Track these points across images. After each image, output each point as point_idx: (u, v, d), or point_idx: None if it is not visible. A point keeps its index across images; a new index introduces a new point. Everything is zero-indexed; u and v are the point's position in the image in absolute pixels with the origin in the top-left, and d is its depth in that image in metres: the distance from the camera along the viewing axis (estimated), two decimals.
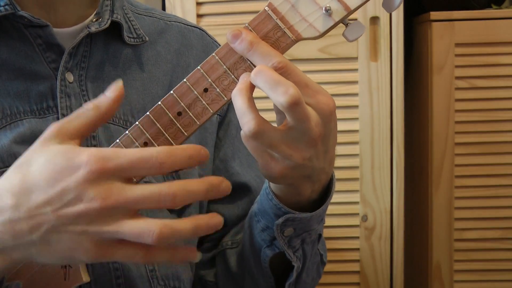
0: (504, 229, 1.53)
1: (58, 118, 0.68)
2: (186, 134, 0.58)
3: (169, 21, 0.81)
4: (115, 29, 0.73)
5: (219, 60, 0.57)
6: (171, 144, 0.58)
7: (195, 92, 0.57)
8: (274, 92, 0.52)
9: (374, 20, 1.46)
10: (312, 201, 0.64)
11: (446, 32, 1.49)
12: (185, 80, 0.58)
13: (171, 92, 0.58)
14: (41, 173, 0.51)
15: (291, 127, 0.54)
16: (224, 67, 0.57)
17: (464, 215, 1.53)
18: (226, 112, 0.82)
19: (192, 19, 1.47)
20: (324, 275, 1.54)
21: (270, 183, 0.64)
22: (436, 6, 1.55)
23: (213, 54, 0.57)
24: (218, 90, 0.57)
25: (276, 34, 0.57)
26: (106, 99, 0.54)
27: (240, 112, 0.54)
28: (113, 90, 0.55)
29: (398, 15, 1.45)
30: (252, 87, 0.55)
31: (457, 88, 1.51)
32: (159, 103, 0.58)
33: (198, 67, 0.58)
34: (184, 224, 0.50)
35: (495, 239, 1.54)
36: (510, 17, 1.49)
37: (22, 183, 0.51)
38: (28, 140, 0.66)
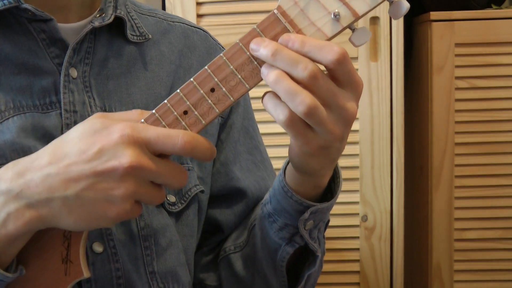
0: (504, 229, 1.53)
1: (61, 114, 0.68)
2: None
3: (172, 21, 0.81)
4: (118, 26, 0.74)
5: (226, 60, 0.57)
6: None
7: (201, 92, 0.58)
8: (295, 70, 0.54)
9: (374, 20, 1.46)
10: (322, 192, 0.67)
11: (446, 32, 1.49)
12: (192, 79, 0.58)
13: (178, 91, 0.58)
14: (79, 137, 0.56)
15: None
16: (231, 67, 0.57)
17: (464, 215, 1.53)
18: (229, 114, 0.82)
19: (192, 19, 1.47)
20: (324, 275, 1.55)
21: (290, 180, 0.66)
22: (436, 6, 1.55)
23: (221, 54, 0.58)
24: (224, 90, 0.58)
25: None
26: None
27: (291, 92, 0.54)
28: None
29: None
30: None
31: (457, 88, 1.51)
32: (165, 101, 0.58)
33: (206, 67, 0.58)
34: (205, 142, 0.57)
35: (495, 239, 1.54)
36: (510, 17, 1.49)
37: (63, 144, 0.56)
38: (30, 133, 0.66)
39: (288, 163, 0.67)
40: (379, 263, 1.52)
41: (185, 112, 0.58)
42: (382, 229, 1.51)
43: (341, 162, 1.48)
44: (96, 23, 0.70)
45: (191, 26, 0.83)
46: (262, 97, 0.57)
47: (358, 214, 1.51)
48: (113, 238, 0.68)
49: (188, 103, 0.58)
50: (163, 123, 0.58)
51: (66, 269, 0.60)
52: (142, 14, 0.79)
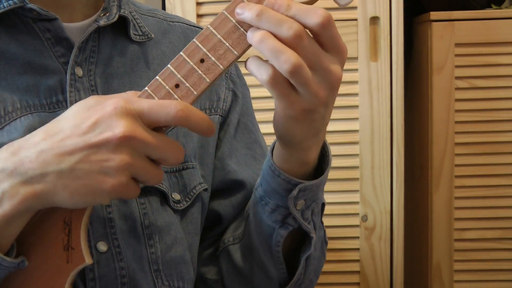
0: (504, 229, 1.53)
1: None
2: None
3: (172, 21, 0.82)
4: (121, 25, 0.74)
5: (213, 30, 0.58)
6: None
7: (191, 63, 0.58)
8: (279, 29, 0.55)
9: (374, 20, 1.46)
10: (313, 170, 0.67)
11: (446, 32, 1.49)
12: (181, 53, 0.59)
13: (168, 65, 0.59)
14: (73, 113, 0.56)
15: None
16: (218, 36, 0.58)
17: (464, 215, 1.53)
18: (228, 113, 0.82)
19: (192, 19, 1.47)
20: (324, 275, 1.55)
21: (276, 158, 0.66)
22: (436, 6, 1.55)
23: (207, 25, 0.58)
24: (213, 59, 0.58)
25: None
26: None
27: (276, 51, 0.54)
28: None
29: (398, 15, 1.46)
30: None
31: (457, 88, 1.51)
32: (157, 77, 0.59)
33: (194, 39, 0.59)
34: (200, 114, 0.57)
35: (495, 239, 1.54)
36: (510, 17, 1.50)
37: (54, 122, 0.57)
38: None
39: (275, 144, 0.67)
40: (379, 263, 1.52)
41: (177, 85, 0.58)
42: (382, 229, 1.51)
43: (341, 162, 1.50)
44: (101, 22, 0.70)
45: (190, 25, 0.84)
46: (246, 61, 0.57)
47: (358, 214, 1.51)
48: (118, 237, 0.68)
49: (178, 76, 0.58)
50: (156, 98, 0.58)
51: (68, 257, 0.59)
52: (142, 14, 0.80)
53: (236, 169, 0.81)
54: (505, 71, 1.50)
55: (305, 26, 0.55)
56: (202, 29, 0.84)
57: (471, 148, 1.52)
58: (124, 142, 0.54)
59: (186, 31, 0.82)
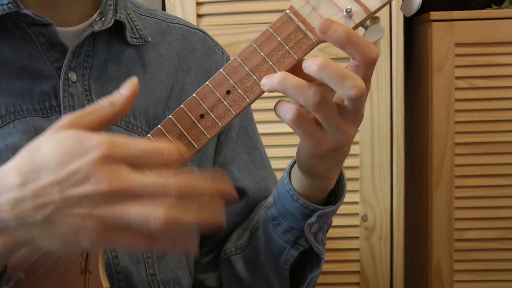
0: (504, 229, 1.53)
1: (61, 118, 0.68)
2: (208, 136, 0.58)
3: (172, 23, 0.81)
4: (118, 29, 0.73)
5: (240, 62, 0.58)
6: (194, 147, 0.58)
7: (217, 94, 0.58)
8: (342, 86, 0.53)
9: (374, 20, 1.46)
10: (327, 196, 0.67)
11: (446, 32, 1.49)
12: (207, 82, 0.58)
13: (194, 94, 0.58)
14: (51, 155, 0.50)
15: (347, 104, 0.55)
16: (246, 68, 0.58)
17: (464, 215, 1.53)
18: None
19: (192, 19, 1.47)
20: (324, 275, 1.55)
21: (296, 183, 0.65)
22: (436, 6, 1.55)
23: (235, 57, 0.58)
24: (240, 91, 0.58)
25: (298, 36, 0.57)
26: (120, 96, 0.54)
27: (300, 87, 0.54)
28: (128, 87, 0.55)
29: (398, 15, 1.45)
30: None
31: (457, 88, 1.51)
32: (182, 105, 0.58)
33: (220, 70, 0.58)
34: (189, 214, 0.50)
35: (495, 239, 1.54)
36: (510, 17, 1.49)
37: (31, 162, 0.50)
38: (33, 137, 0.66)
39: (292, 166, 0.67)
40: (379, 263, 1.52)
41: (202, 116, 0.58)
42: (382, 229, 1.51)
43: None
44: (96, 28, 0.70)
45: (190, 27, 0.83)
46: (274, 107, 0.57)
47: (358, 214, 1.51)
48: None
49: (204, 106, 0.58)
50: (180, 127, 0.58)
51: (85, 280, 0.59)
52: (141, 15, 0.79)
53: (238, 176, 0.81)
54: (505, 71, 1.50)
55: (353, 57, 0.54)
56: (202, 31, 0.84)
57: (471, 148, 1.52)
58: (103, 197, 0.48)
59: (185, 33, 0.81)
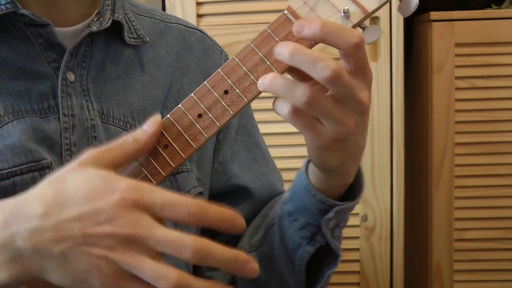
0: (504, 229, 1.53)
1: (59, 118, 0.68)
2: (206, 135, 0.59)
3: (170, 22, 0.81)
4: (115, 29, 0.73)
5: (239, 62, 0.58)
6: (191, 146, 0.59)
7: (215, 94, 0.58)
8: (314, 69, 0.53)
9: (374, 20, 1.46)
10: (344, 192, 0.66)
11: (446, 32, 1.49)
12: (205, 82, 0.58)
13: (191, 94, 0.59)
14: (78, 190, 0.50)
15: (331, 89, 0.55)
16: (244, 68, 0.58)
17: (464, 215, 1.53)
18: None
19: (192, 19, 1.47)
20: None
21: (313, 178, 0.65)
22: (436, 6, 1.55)
23: (233, 57, 0.58)
24: (238, 91, 0.58)
25: (296, 36, 0.57)
26: (144, 134, 0.56)
27: (288, 88, 0.54)
28: (152, 124, 0.56)
29: (398, 15, 1.45)
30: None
31: (457, 88, 1.51)
32: (180, 105, 0.58)
33: (219, 70, 0.58)
34: (202, 284, 0.50)
35: (495, 239, 1.53)
36: (510, 17, 1.49)
37: (56, 195, 0.51)
38: (31, 137, 0.66)
39: (309, 162, 0.66)
40: (379, 263, 1.52)
41: (200, 115, 0.58)
42: (382, 229, 1.51)
43: None
44: (94, 28, 0.70)
45: (188, 27, 0.83)
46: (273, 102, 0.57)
47: (358, 214, 1.51)
48: None
49: (202, 106, 0.58)
50: (178, 127, 0.58)
51: None
52: (139, 15, 0.79)
53: (239, 174, 0.81)
54: (505, 71, 1.50)
55: (337, 47, 0.54)
56: (200, 30, 0.84)
57: (471, 148, 1.52)
58: (122, 241, 0.49)
59: (184, 33, 0.81)
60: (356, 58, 0.55)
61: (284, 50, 0.54)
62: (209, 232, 0.83)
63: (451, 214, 1.53)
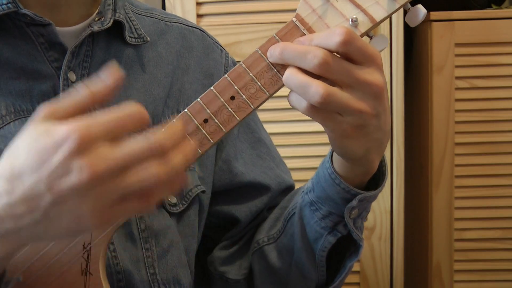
0: (504, 229, 1.53)
1: None
2: (212, 141, 0.59)
3: (170, 22, 0.81)
4: (116, 28, 0.73)
5: (246, 68, 0.58)
6: (197, 152, 0.58)
7: (222, 100, 0.58)
8: (304, 61, 0.55)
9: None
10: (367, 182, 0.66)
11: (446, 32, 1.49)
12: (212, 88, 0.59)
13: (198, 99, 0.59)
14: (28, 156, 0.49)
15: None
16: (251, 75, 0.58)
17: (464, 215, 1.53)
18: None
19: (192, 19, 1.47)
20: None
21: (338, 167, 0.65)
22: (436, 6, 1.55)
23: (241, 62, 0.59)
24: (244, 97, 0.58)
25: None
26: (98, 81, 0.52)
27: (303, 85, 0.55)
28: (108, 73, 0.52)
29: (398, 15, 1.45)
30: None
31: (457, 88, 1.51)
32: (186, 110, 0.59)
33: (225, 75, 0.59)
34: (178, 158, 0.49)
35: (495, 239, 1.54)
36: (510, 17, 1.49)
37: (12, 167, 0.50)
38: None
39: (333, 151, 0.66)
40: (379, 263, 1.52)
41: (206, 121, 0.58)
42: (382, 229, 1.51)
43: None
44: (95, 28, 0.70)
45: (188, 26, 0.83)
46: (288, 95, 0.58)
47: None
48: (113, 241, 0.68)
49: (208, 111, 0.58)
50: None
51: (85, 282, 0.59)
52: (139, 14, 0.79)
53: (244, 171, 0.81)
54: (505, 71, 1.50)
55: (330, 50, 0.55)
56: (200, 29, 0.84)
57: (471, 148, 1.52)
58: (90, 184, 0.47)
59: (184, 32, 0.81)
60: (352, 51, 0.55)
61: (274, 51, 0.56)
62: (209, 236, 0.84)
63: (451, 214, 1.53)
